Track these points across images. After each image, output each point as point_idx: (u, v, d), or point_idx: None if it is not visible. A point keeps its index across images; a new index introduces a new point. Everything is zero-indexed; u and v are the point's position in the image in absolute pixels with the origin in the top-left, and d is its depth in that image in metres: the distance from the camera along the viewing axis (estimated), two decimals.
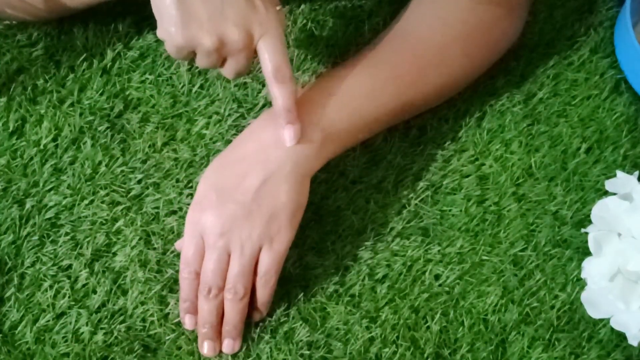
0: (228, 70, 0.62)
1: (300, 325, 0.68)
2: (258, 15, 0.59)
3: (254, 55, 0.61)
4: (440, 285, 0.71)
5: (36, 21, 0.76)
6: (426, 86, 0.70)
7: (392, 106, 0.68)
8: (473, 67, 0.73)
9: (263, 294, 0.65)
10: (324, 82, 0.69)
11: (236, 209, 0.63)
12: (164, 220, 0.71)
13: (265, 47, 0.60)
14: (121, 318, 0.68)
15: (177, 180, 0.73)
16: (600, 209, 0.72)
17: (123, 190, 0.72)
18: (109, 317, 0.68)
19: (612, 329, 0.69)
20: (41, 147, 0.72)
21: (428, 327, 0.69)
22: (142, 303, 0.68)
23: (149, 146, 0.73)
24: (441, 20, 0.71)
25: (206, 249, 0.64)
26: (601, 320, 0.70)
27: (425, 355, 0.68)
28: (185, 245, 0.65)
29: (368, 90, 0.67)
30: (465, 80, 0.74)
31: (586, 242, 0.71)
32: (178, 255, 0.69)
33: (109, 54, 0.76)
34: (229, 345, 0.66)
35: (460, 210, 0.73)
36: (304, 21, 0.79)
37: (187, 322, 0.67)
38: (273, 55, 0.60)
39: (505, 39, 0.75)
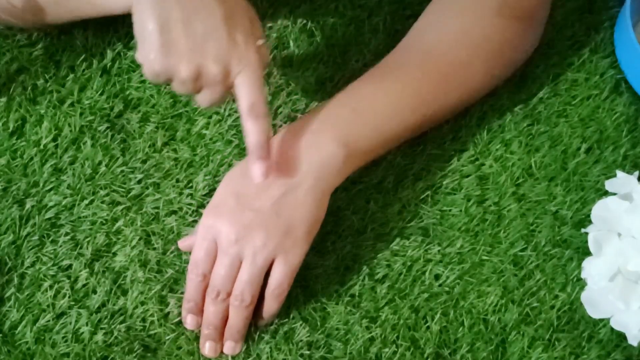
0: (203, 99, 0.62)
1: (300, 325, 0.68)
2: (237, 52, 0.59)
3: (230, 89, 0.61)
4: (440, 285, 0.71)
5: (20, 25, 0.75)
6: (447, 101, 0.70)
7: (412, 122, 0.69)
8: (492, 80, 0.74)
9: (272, 306, 0.65)
10: (347, 97, 0.68)
11: (254, 217, 0.63)
12: (164, 220, 0.71)
13: (242, 83, 0.60)
14: (121, 318, 0.68)
15: (177, 180, 0.73)
16: (600, 209, 0.72)
17: (123, 190, 0.72)
18: (109, 317, 0.68)
19: (612, 329, 0.70)
20: (41, 147, 0.72)
21: (428, 327, 0.69)
22: (142, 303, 0.68)
23: (149, 146, 0.73)
24: (465, 36, 0.71)
25: (219, 253, 0.64)
26: (601, 320, 0.70)
27: (425, 355, 0.68)
28: (197, 247, 0.64)
29: (392, 107, 0.68)
30: (482, 92, 0.74)
31: (586, 242, 0.71)
32: (178, 255, 0.70)
33: (109, 54, 0.76)
34: (230, 347, 0.66)
35: (460, 210, 0.73)
36: (304, 21, 0.79)
37: (189, 322, 0.67)
38: (249, 91, 0.60)
39: (524, 53, 0.75)
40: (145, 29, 0.58)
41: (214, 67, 0.59)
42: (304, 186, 0.64)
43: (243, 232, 0.63)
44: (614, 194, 0.74)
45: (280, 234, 0.63)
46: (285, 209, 0.63)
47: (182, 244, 0.68)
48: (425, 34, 0.72)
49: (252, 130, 0.61)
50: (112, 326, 0.67)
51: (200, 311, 0.66)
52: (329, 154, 0.64)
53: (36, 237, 0.69)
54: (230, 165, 0.72)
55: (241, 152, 0.73)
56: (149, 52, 0.58)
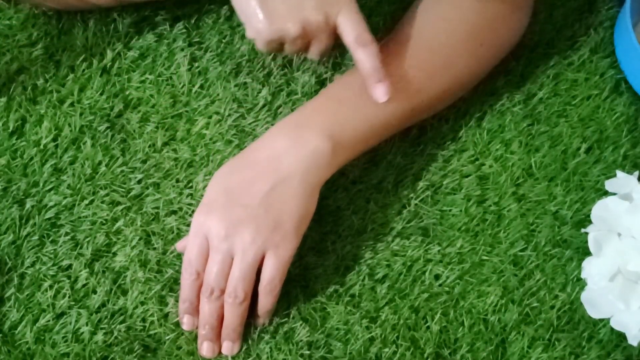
0: (314, 52, 0.67)
1: (300, 325, 0.68)
2: None
3: (334, 32, 0.65)
4: (440, 285, 0.71)
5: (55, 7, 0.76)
6: (434, 89, 0.70)
7: (400, 111, 0.69)
8: (480, 66, 0.73)
9: (266, 302, 0.65)
10: (333, 89, 0.69)
11: (242, 213, 0.63)
12: (164, 220, 0.71)
13: (344, 21, 0.64)
14: (121, 318, 0.68)
15: (177, 180, 0.73)
16: (600, 209, 0.72)
17: (123, 190, 0.72)
18: (109, 317, 0.68)
19: (612, 329, 0.70)
20: (41, 147, 0.72)
21: (428, 327, 0.69)
22: (142, 303, 0.68)
23: (149, 146, 0.73)
24: (446, 22, 0.71)
25: (210, 250, 0.64)
26: (601, 320, 0.70)
27: (425, 355, 0.68)
28: (189, 246, 0.65)
29: None
30: (472, 80, 0.74)
31: (586, 242, 0.71)
32: (178, 255, 0.70)
33: (109, 54, 0.76)
34: (228, 347, 0.66)
35: (460, 210, 0.73)
36: None
37: (186, 323, 0.67)
38: (351, 25, 0.64)
39: (511, 36, 0.75)
40: (248, 6, 0.63)
41: (316, 17, 0.64)
42: (292, 180, 0.64)
43: (232, 228, 0.63)
44: (614, 194, 0.74)
45: (269, 229, 0.63)
46: (273, 203, 0.63)
47: (179, 245, 0.68)
48: (408, 25, 0.72)
49: (364, 58, 0.65)
50: (112, 326, 0.67)
51: (196, 311, 0.66)
52: (315, 147, 0.65)
53: (36, 237, 0.69)
54: None
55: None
56: (257, 25, 0.64)
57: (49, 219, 0.70)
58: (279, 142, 0.65)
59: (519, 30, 0.75)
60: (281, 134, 0.66)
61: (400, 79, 0.68)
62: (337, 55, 0.78)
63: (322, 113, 0.67)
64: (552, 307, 0.70)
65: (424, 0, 0.73)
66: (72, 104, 0.74)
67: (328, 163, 0.65)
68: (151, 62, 0.76)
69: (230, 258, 0.64)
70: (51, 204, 0.71)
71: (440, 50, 0.70)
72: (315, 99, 0.68)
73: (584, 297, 0.70)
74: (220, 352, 0.67)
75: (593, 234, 0.71)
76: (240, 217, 0.63)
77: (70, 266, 0.69)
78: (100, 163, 0.72)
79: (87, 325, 0.67)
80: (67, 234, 0.70)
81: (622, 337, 0.69)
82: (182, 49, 0.77)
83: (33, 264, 0.69)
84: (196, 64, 0.76)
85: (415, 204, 0.73)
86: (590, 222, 0.73)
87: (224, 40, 0.78)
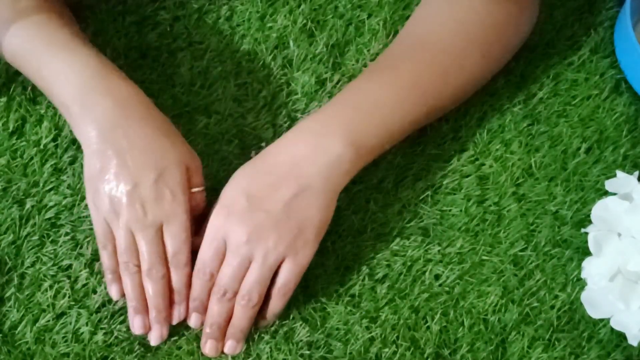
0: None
1: (300, 325, 0.68)
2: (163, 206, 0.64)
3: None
4: (440, 285, 0.71)
5: None
6: (447, 91, 0.70)
7: (415, 114, 0.69)
8: (490, 67, 0.74)
9: (276, 305, 0.66)
10: (349, 95, 0.69)
11: (265, 218, 0.63)
12: None
13: (167, 232, 0.65)
14: (121, 318, 0.68)
15: None
16: (600, 209, 0.72)
17: None
18: (109, 317, 0.68)
19: (612, 329, 0.70)
20: (41, 147, 0.72)
21: (428, 327, 0.69)
22: None
23: None
24: (458, 24, 0.71)
25: (228, 253, 0.64)
26: (601, 320, 0.70)
27: (425, 355, 0.68)
28: (205, 247, 0.65)
29: (393, 102, 0.68)
30: (482, 79, 0.74)
31: (586, 242, 0.71)
32: None
33: (109, 54, 0.76)
34: (231, 346, 0.66)
35: (460, 210, 0.73)
36: (304, 21, 0.79)
37: (194, 321, 0.66)
38: (172, 242, 0.65)
39: (519, 36, 0.75)
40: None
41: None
42: (313, 188, 0.64)
43: (254, 233, 0.63)
44: (614, 194, 0.74)
45: (291, 235, 0.63)
46: (295, 210, 0.64)
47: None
48: (419, 26, 0.72)
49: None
50: (112, 326, 0.67)
51: (205, 309, 0.66)
52: (337, 155, 0.65)
53: (36, 237, 0.69)
54: (230, 165, 0.72)
55: (242, 152, 0.73)
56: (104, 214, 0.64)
57: (49, 219, 0.70)
58: (299, 148, 0.65)
59: (527, 29, 0.76)
60: (300, 141, 0.66)
61: (415, 81, 0.68)
62: (337, 55, 0.78)
63: (339, 120, 0.66)
64: (552, 307, 0.71)
65: (433, 1, 0.73)
66: None
67: (348, 170, 0.65)
68: (151, 62, 0.76)
69: (248, 262, 0.64)
70: (51, 204, 0.71)
71: (453, 52, 0.70)
72: (330, 105, 0.68)
73: (584, 297, 0.70)
74: (222, 351, 0.67)
75: (593, 234, 0.71)
76: (262, 223, 0.63)
77: (70, 266, 0.69)
78: None
79: (87, 325, 0.67)
80: (67, 234, 0.70)
81: (622, 337, 0.69)
82: (182, 49, 0.77)
83: (33, 264, 0.69)
84: (196, 64, 0.76)
85: (415, 204, 0.73)
86: (590, 222, 0.73)
87: (223, 40, 0.78)
